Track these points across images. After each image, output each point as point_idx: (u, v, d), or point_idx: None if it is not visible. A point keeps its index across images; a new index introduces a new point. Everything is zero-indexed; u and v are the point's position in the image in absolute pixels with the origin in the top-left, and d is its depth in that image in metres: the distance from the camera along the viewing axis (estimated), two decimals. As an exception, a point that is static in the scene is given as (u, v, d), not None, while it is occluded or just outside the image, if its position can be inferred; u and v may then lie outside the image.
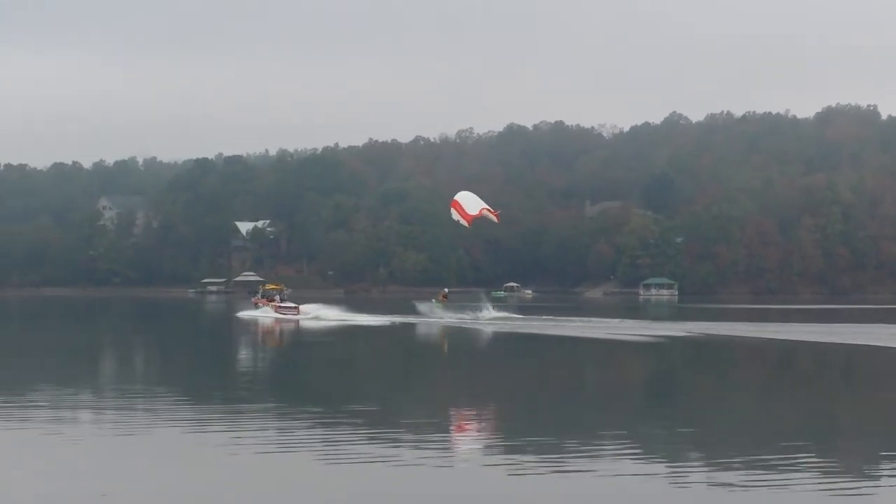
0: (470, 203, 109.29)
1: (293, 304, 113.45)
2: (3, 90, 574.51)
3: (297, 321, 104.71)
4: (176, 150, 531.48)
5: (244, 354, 67.35)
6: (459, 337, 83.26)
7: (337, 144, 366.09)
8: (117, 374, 51.52)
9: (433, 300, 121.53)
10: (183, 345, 78.47)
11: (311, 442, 28.31)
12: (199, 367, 56.58)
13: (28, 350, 69.66)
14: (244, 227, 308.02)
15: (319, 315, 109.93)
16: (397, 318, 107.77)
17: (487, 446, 28.61)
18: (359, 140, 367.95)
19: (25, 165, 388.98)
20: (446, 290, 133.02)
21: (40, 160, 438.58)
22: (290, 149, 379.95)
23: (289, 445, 27.83)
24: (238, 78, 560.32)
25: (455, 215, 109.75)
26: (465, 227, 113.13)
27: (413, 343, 79.98)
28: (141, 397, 39.01)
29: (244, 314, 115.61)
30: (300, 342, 79.79)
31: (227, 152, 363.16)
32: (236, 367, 56.11)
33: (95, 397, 39.21)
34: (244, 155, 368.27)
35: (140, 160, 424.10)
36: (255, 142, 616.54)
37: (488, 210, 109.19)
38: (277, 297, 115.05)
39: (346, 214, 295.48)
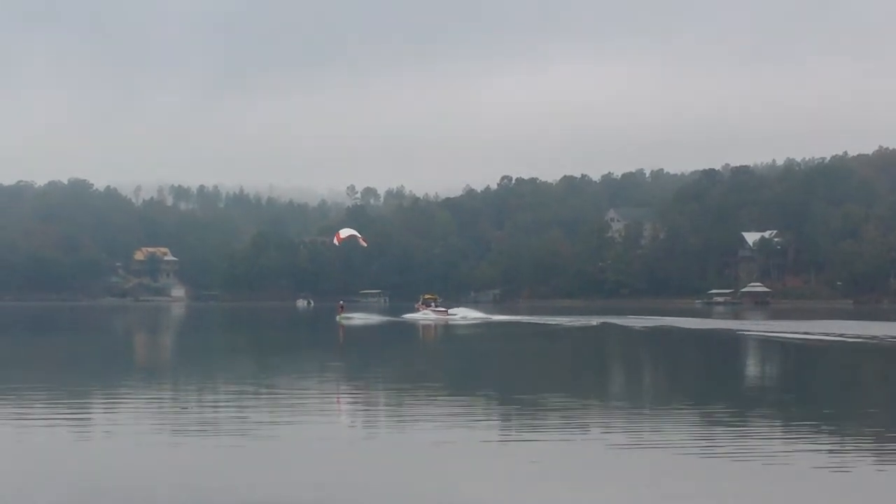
0: (344, 231, 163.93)
1: (444, 308, 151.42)
2: (514, 108, 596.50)
3: (447, 321, 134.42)
4: (683, 161, 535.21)
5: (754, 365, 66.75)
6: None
7: (846, 152, 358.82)
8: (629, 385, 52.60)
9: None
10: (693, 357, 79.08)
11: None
12: (700, 376, 56.68)
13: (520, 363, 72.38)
14: (751, 237, 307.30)
15: (466, 316, 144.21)
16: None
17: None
18: (868, 147, 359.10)
19: (536, 179, 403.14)
20: (342, 302, 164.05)
21: (551, 174, 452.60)
22: (798, 158, 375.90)
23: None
24: (745, 89, 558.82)
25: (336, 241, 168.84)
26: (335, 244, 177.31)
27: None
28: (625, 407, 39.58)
29: (409, 316, 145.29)
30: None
31: (734, 163, 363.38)
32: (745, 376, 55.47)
33: (603, 403, 40.14)
34: (751, 165, 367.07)
35: (647, 172, 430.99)
36: (762, 152, 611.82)
37: (357, 237, 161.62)
38: (433, 304, 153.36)
39: (856, 224, 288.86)
